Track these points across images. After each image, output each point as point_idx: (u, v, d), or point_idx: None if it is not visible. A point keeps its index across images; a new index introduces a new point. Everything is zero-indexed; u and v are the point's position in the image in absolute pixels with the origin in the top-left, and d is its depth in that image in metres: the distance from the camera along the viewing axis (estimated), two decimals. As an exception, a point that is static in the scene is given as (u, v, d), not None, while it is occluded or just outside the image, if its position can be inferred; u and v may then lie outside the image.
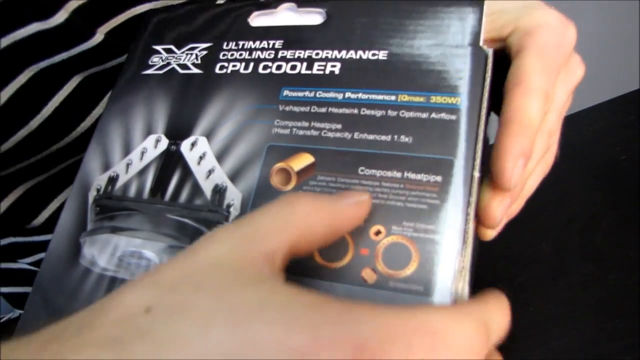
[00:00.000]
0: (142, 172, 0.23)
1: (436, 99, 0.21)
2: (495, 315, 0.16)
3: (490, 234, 0.22)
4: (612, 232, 0.40)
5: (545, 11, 0.23)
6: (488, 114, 0.22)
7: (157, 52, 0.26)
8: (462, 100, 0.21)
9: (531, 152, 0.21)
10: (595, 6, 1.08)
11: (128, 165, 0.24)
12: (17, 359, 0.13)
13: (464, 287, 0.18)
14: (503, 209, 0.21)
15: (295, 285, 0.15)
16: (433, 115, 0.21)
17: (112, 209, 0.23)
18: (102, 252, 0.22)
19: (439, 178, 0.20)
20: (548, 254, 0.40)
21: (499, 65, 0.24)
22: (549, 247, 0.41)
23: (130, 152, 0.24)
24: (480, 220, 0.21)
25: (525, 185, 0.24)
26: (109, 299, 0.14)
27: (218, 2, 0.34)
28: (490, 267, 0.39)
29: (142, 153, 0.24)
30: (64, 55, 0.29)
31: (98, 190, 0.24)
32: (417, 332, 0.14)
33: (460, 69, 0.21)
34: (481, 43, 0.22)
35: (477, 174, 0.20)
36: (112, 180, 0.24)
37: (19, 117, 0.29)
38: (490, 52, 0.22)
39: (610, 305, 0.35)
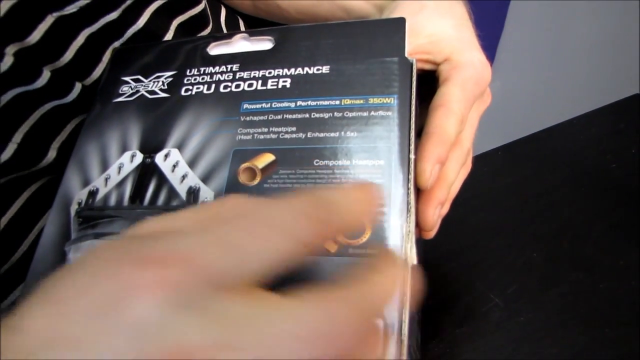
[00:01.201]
0: (120, 184, 0.26)
1: (373, 100, 0.26)
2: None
3: (432, 234, 0.27)
4: (602, 240, 0.40)
5: (473, 52, 0.30)
6: (417, 110, 0.26)
7: (126, 82, 0.30)
8: (395, 100, 0.25)
9: (446, 160, 0.26)
10: (589, 15, 1.11)
11: (106, 179, 0.27)
12: None
13: (412, 246, 0.22)
14: (437, 214, 0.26)
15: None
16: (372, 113, 0.25)
17: (94, 218, 0.26)
18: (86, 257, 0.25)
19: (381, 162, 0.24)
20: (539, 263, 0.40)
21: (428, 81, 0.29)
22: (540, 257, 0.41)
23: (107, 168, 0.27)
24: (421, 227, 0.26)
25: (450, 192, 0.28)
26: None
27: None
28: (483, 277, 0.40)
29: (119, 168, 0.27)
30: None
31: (79, 204, 0.26)
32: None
33: (391, 76, 0.26)
34: (406, 54, 0.27)
35: (412, 156, 0.24)
36: (92, 193, 0.26)
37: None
38: (414, 60, 0.27)
39: (601, 314, 0.35)
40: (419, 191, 0.26)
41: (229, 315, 0.13)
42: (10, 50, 0.29)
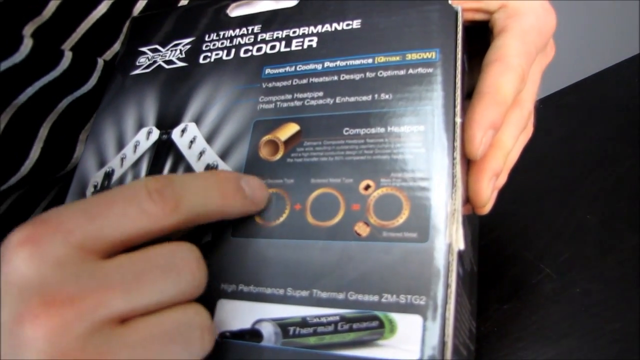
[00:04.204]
0: (136, 164, 0.23)
1: (412, 55, 0.20)
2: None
3: (486, 210, 0.22)
4: (667, 196, 0.33)
5: None
6: (464, 66, 0.21)
7: (143, 53, 0.26)
8: (437, 54, 0.20)
9: (500, 125, 0.21)
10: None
11: (122, 159, 0.23)
12: None
13: (458, 228, 0.17)
14: (491, 187, 0.21)
15: None
16: (410, 71, 0.20)
17: (110, 201, 0.22)
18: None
19: (421, 127, 0.19)
20: (594, 226, 0.34)
21: (481, 35, 0.23)
22: (595, 219, 0.34)
23: (123, 147, 0.23)
24: (473, 204, 0.21)
25: (507, 161, 0.23)
26: None
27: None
28: (530, 245, 0.34)
29: (135, 146, 0.23)
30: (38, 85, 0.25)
31: (95, 187, 0.23)
32: None
33: (432, 26, 0.21)
34: (450, 1, 0.21)
35: (458, 120, 0.19)
36: (108, 175, 0.23)
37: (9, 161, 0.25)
38: (459, 8, 0.21)
39: (669, 281, 0.29)
40: (469, 161, 0.21)
41: (94, 270, 0.15)
42: (29, 30, 0.25)
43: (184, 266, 0.16)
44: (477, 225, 0.26)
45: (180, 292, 0.16)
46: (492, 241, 0.35)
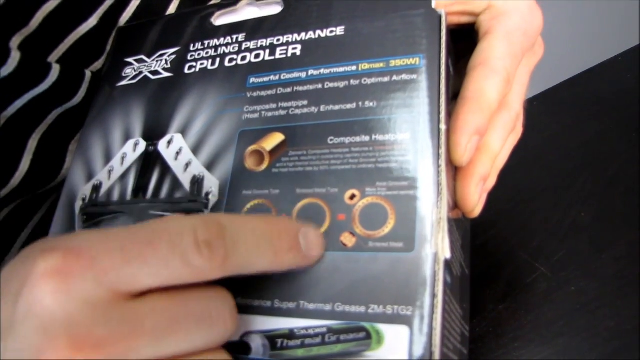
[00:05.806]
0: (124, 176, 0.22)
1: (395, 62, 0.20)
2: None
3: (475, 213, 0.21)
4: (661, 193, 0.32)
5: None
6: (448, 71, 0.20)
7: (129, 63, 0.26)
8: (421, 60, 0.20)
9: (485, 130, 0.20)
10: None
11: (110, 172, 0.23)
12: None
13: (444, 237, 0.17)
14: (479, 192, 0.21)
15: None
16: (394, 77, 0.20)
17: (98, 214, 0.22)
18: (92, 257, 0.21)
19: (406, 135, 0.18)
20: (588, 223, 0.33)
21: (468, 37, 0.23)
22: (589, 216, 0.33)
23: (111, 159, 0.23)
24: (461, 209, 0.21)
25: (495, 164, 0.22)
26: None
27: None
28: (525, 244, 0.34)
29: (123, 158, 0.23)
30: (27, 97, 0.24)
31: (84, 200, 0.23)
32: None
33: (415, 32, 0.20)
34: (433, 5, 0.21)
35: (443, 127, 0.18)
36: (96, 188, 0.23)
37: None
38: (443, 12, 0.21)
39: (664, 279, 0.28)
40: (456, 166, 0.20)
41: (125, 314, 0.14)
42: (16, 42, 0.24)
43: (218, 316, 0.15)
44: (468, 228, 0.26)
45: (211, 342, 0.15)
46: (486, 241, 0.35)
